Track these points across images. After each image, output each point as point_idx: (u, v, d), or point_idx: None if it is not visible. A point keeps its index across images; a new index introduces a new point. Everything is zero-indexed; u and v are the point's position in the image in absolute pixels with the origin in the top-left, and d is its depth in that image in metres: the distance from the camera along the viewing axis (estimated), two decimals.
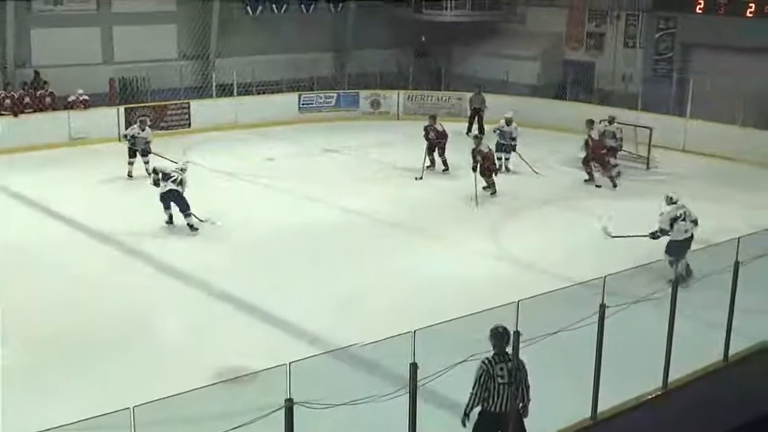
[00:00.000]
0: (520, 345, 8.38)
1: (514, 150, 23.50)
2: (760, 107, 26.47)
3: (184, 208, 17.73)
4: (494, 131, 23.60)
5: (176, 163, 19.52)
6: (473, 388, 8.45)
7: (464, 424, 8.55)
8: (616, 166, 23.16)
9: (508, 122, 23.34)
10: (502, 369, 8.42)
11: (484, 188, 20.84)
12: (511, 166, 23.53)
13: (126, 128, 24.11)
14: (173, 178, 17.71)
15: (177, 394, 6.57)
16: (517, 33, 34.76)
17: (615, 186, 22.26)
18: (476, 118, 28.93)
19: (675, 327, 9.82)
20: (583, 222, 19.34)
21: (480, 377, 8.41)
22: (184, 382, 7.43)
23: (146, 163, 21.68)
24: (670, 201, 15.63)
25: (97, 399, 10.65)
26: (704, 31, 28.54)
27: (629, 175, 23.72)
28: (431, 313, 9.72)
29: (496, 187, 20.99)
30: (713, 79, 26.83)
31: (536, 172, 22.94)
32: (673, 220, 15.29)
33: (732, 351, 10.87)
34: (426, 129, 23.63)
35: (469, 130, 28.33)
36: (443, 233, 18.21)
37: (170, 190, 17.67)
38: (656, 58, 30.99)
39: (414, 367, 7.50)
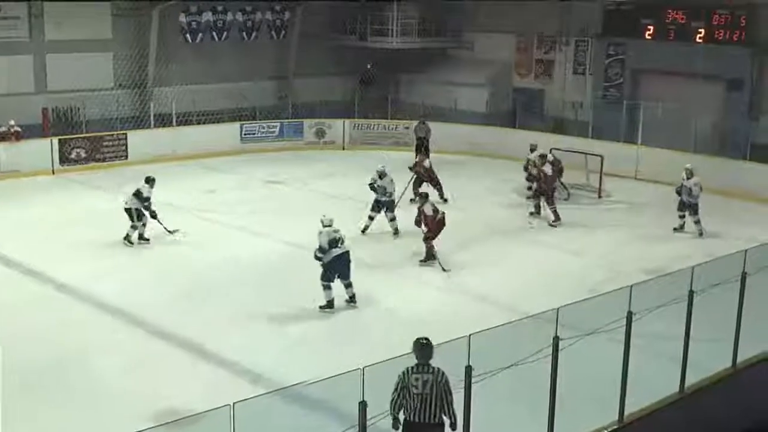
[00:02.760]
0: (474, 380, 8.40)
1: (392, 209, 20.65)
2: (711, 133, 27.00)
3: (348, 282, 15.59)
4: (369, 185, 20.87)
5: (170, 231, 19.66)
6: (392, 394, 8.63)
7: (395, 428, 8.70)
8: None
9: (381, 175, 20.56)
10: (417, 380, 8.61)
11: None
12: (398, 226, 20.58)
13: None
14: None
15: None
16: (465, 60, 35.19)
17: (557, 219, 21.78)
18: (422, 149, 28.94)
19: (630, 358, 9.90)
20: (534, 253, 19.52)
21: (397, 385, 8.62)
22: (122, 425, 7.33)
23: (144, 225, 19.44)
24: (692, 173, 20.83)
25: None
26: (654, 57, 29.09)
27: (581, 205, 23.99)
28: (381, 348, 9.70)
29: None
30: (664, 106, 27.36)
31: (396, 235, 20.51)
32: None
33: (688, 382, 10.98)
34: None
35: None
36: (393, 266, 18.21)
37: (344, 253, 15.45)
38: (606, 84, 31.46)
39: (363, 405, 7.46)
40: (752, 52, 27.43)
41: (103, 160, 27.43)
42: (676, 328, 10.85)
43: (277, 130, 31.58)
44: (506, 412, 10.63)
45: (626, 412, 10.06)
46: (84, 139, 27.53)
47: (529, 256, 19.29)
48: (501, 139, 29.67)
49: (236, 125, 31.10)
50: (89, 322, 14.95)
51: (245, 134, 31.06)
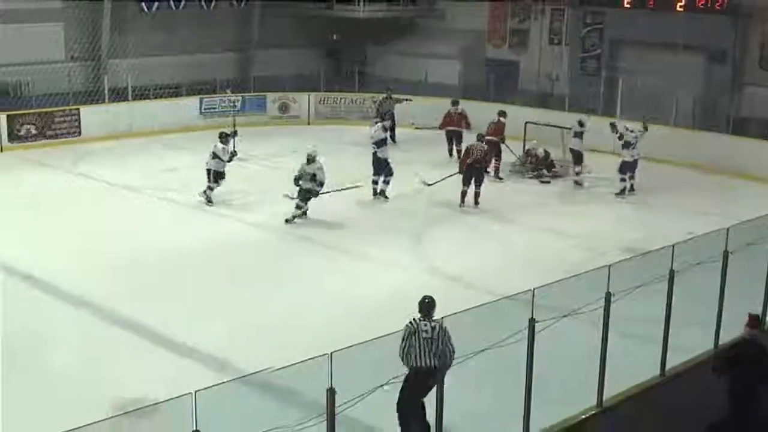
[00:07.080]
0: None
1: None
2: (692, 106, 27.15)
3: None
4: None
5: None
6: (400, 345, 9.51)
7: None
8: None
9: (311, 159, 20.14)
10: (426, 325, 9.52)
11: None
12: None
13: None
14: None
15: (73, 429, 6.46)
16: (436, 30, 35.08)
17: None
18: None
19: (609, 341, 10.00)
20: (509, 232, 19.63)
21: (405, 332, 9.54)
22: (80, 415, 7.32)
23: (211, 189, 21.45)
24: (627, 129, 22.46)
25: None
26: (633, 27, 29.16)
27: (557, 181, 24.12)
28: (353, 334, 9.74)
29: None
30: (643, 78, 27.47)
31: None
32: (636, 139, 22.17)
33: (669, 365, 11.11)
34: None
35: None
36: (364, 248, 18.17)
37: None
38: (583, 55, 31.55)
39: (331, 392, 7.50)
40: (735, 20, 27.54)
41: (55, 136, 27.24)
42: (656, 310, 10.98)
43: (239, 104, 31.39)
44: (481, 396, 10.75)
45: (605, 396, 10.19)
46: (34, 115, 27.28)
47: (504, 236, 19.38)
48: (474, 114, 29.50)
49: (196, 99, 30.89)
50: (48, 309, 14.78)
51: (205, 109, 30.86)
